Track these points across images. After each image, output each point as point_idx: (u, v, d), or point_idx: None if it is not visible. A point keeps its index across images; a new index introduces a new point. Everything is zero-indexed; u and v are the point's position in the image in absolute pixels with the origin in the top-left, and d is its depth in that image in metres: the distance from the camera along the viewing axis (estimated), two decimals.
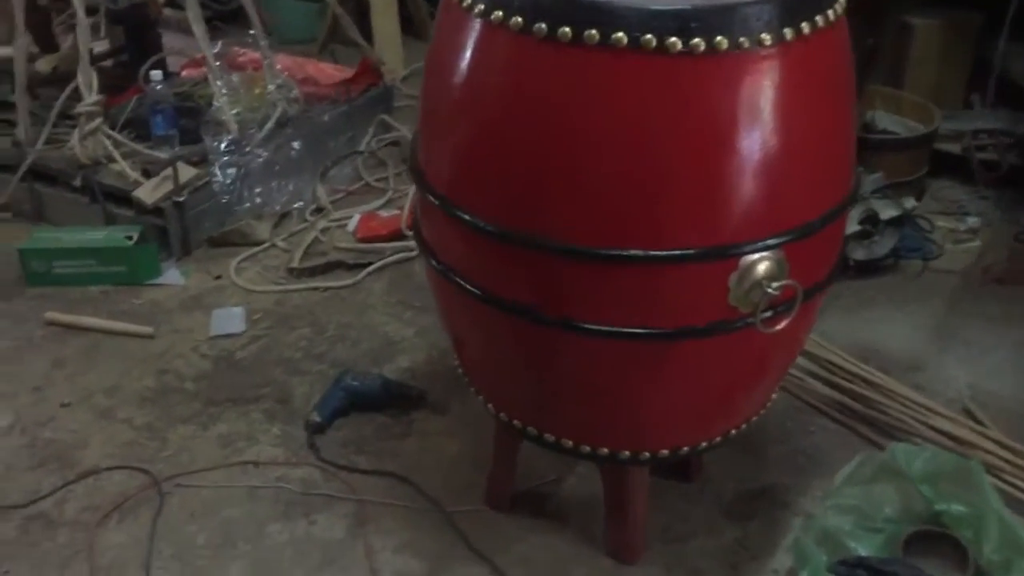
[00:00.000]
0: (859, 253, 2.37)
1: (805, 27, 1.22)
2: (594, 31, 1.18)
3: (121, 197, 2.55)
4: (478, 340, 1.53)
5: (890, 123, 2.70)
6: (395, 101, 3.39)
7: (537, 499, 1.81)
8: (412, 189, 2.84)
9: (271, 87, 2.79)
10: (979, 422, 1.94)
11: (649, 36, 1.17)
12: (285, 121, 2.81)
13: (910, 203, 2.37)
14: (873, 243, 2.38)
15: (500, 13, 1.24)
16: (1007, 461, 1.81)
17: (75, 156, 2.56)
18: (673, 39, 1.17)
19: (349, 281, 2.47)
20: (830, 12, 1.26)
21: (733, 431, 1.55)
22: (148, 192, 2.48)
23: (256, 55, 2.91)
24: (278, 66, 2.88)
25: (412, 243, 2.57)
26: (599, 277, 1.29)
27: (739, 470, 1.86)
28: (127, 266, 2.44)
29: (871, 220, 2.35)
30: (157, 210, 2.50)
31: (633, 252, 1.26)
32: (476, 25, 1.28)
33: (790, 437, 1.96)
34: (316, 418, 1.97)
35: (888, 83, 2.82)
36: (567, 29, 1.19)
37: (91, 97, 2.49)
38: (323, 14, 3.81)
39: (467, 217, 1.35)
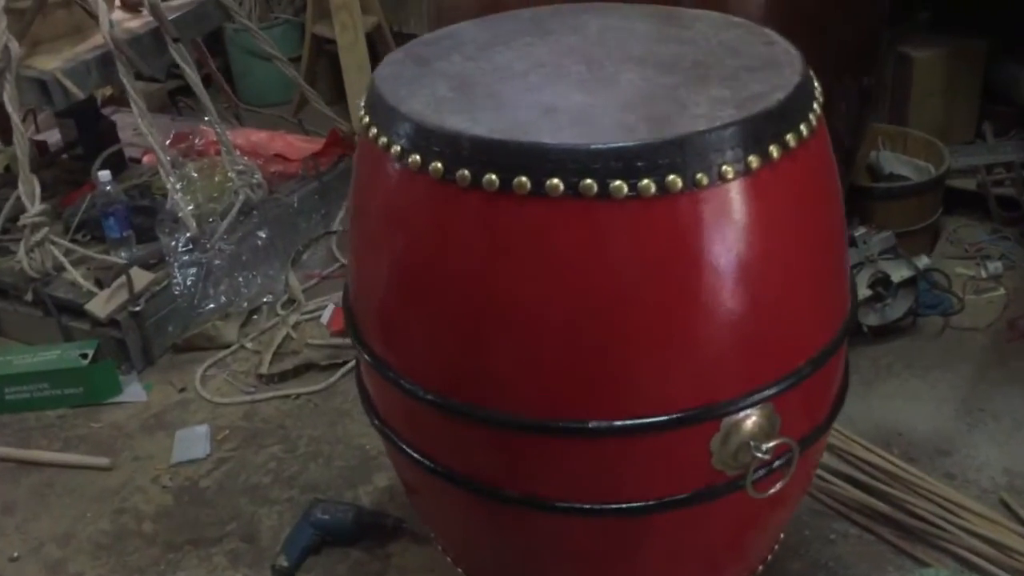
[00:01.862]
0: (872, 319, 2.17)
1: (774, 151, 1.03)
2: (524, 178, 0.99)
3: (76, 310, 2.39)
4: (436, 508, 1.34)
5: (896, 164, 2.50)
6: None
7: None
8: None
9: (232, 174, 2.62)
10: (1020, 519, 1.73)
11: (589, 181, 0.98)
12: (249, 208, 2.64)
13: (923, 262, 2.17)
14: (886, 306, 2.17)
15: (417, 158, 1.06)
16: None
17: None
18: (617, 183, 0.98)
19: (322, 385, 2.29)
20: (803, 127, 1.06)
21: None
22: (101, 304, 2.32)
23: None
24: (238, 152, 2.71)
25: None
26: (560, 451, 1.11)
27: None
28: (83, 387, 2.27)
29: (882, 283, 2.14)
30: (113, 322, 2.34)
31: (595, 424, 1.07)
32: (394, 169, 1.10)
33: (808, 548, 1.75)
34: (283, 562, 1.78)
35: (892, 120, 2.61)
36: (493, 177, 1.01)
37: (34, 208, 2.33)
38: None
39: (404, 383, 1.17)
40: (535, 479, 1.14)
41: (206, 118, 2.62)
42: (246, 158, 2.70)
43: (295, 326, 2.51)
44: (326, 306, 2.57)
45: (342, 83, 3.65)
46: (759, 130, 1.02)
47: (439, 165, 1.04)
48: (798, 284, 1.10)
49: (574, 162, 0.98)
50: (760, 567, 1.41)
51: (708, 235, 1.01)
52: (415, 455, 1.23)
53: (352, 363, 2.34)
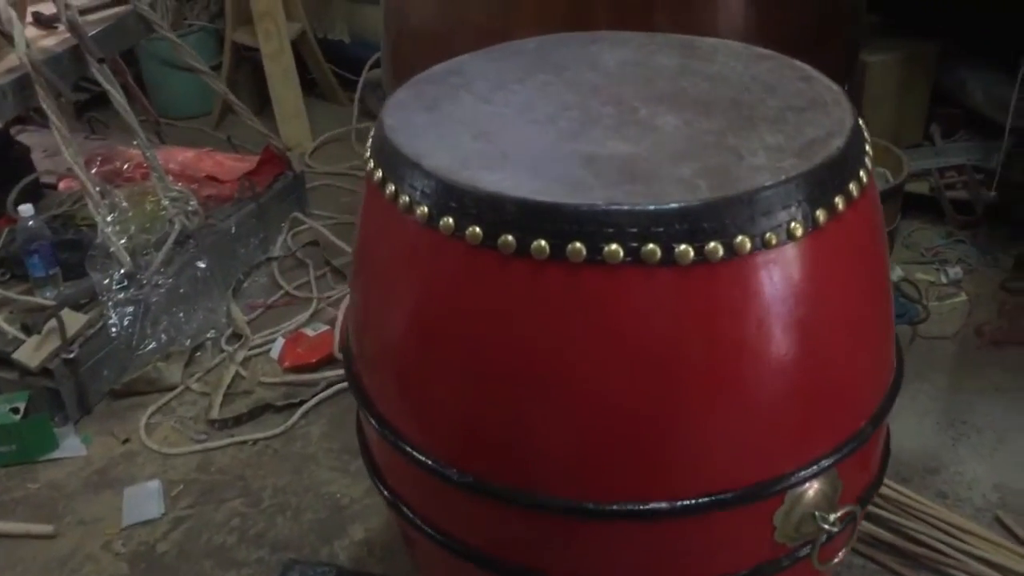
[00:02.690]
0: None
1: (839, 202, 0.95)
2: (579, 244, 0.90)
3: (2, 359, 2.18)
4: None
5: None
6: (308, 183, 3.05)
7: None
8: (343, 296, 2.53)
9: (165, 202, 2.44)
10: (1017, 538, 1.72)
11: (652, 246, 0.89)
12: (185, 237, 2.46)
13: (896, 274, 2.15)
14: None
15: (450, 221, 0.95)
16: None
17: None
18: (683, 247, 0.89)
19: (280, 428, 2.15)
20: (862, 173, 1.00)
21: None
22: (30, 352, 2.12)
23: (142, 159, 2.55)
24: (170, 177, 2.52)
25: None
26: (612, 535, 1.01)
27: None
28: (17, 444, 2.08)
29: None
30: (45, 371, 2.14)
31: (652, 505, 0.98)
32: (419, 232, 0.99)
33: None
34: None
35: None
36: (543, 243, 0.90)
37: None
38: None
39: (426, 460, 1.06)
40: (581, 563, 1.04)
41: (135, 142, 2.43)
42: (180, 184, 2.52)
43: (244, 363, 2.35)
44: (275, 339, 2.41)
45: (264, 92, 3.49)
46: (824, 181, 0.94)
47: (477, 230, 0.93)
48: (860, 342, 1.03)
49: (634, 226, 0.89)
50: None
51: (777, 297, 0.93)
52: (433, 533, 1.13)
53: (311, 403, 2.20)
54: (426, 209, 0.97)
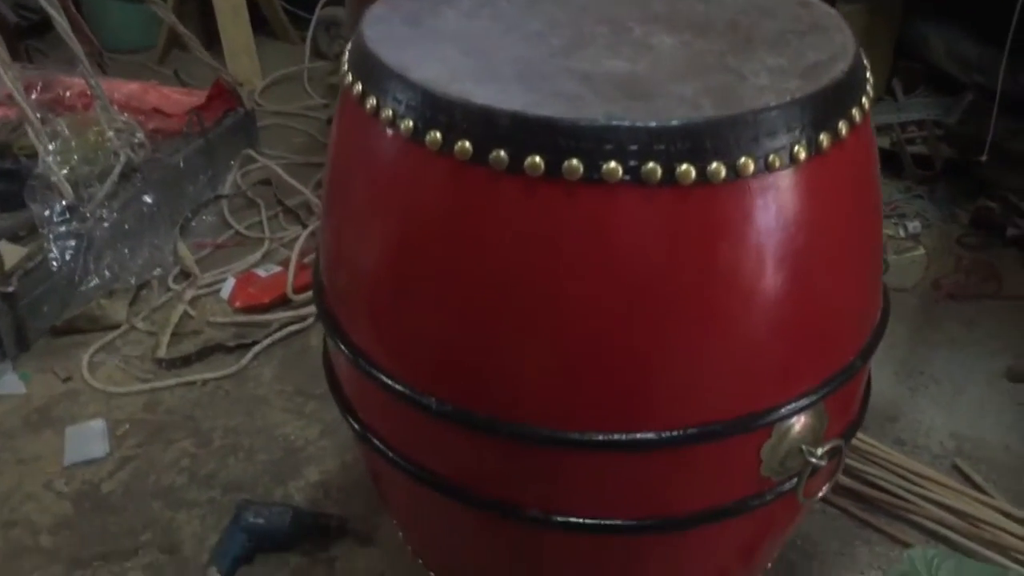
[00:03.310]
0: None
1: (843, 128, 0.92)
2: (576, 161, 0.85)
3: None
4: (427, 524, 1.20)
5: None
6: (259, 122, 2.95)
7: None
8: (297, 237, 2.45)
9: (110, 132, 2.33)
10: (975, 485, 1.74)
11: (652, 165, 0.85)
12: (131, 171, 2.36)
13: None
14: None
15: (437, 135, 0.89)
16: (1019, 537, 1.61)
17: None
18: (685, 166, 0.85)
19: (232, 369, 2.08)
20: (864, 100, 0.97)
21: None
22: None
23: (85, 87, 2.43)
24: (115, 106, 2.41)
25: (303, 311, 2.22)
26: (596, 466, 0.98)
27: None
28: None
29: None
30: None
31: (640, 436, 0.95)
32: (402, 148, 0.93)
33: None
34: (215, 574, 1.59)
35: None
36: (538, 159, 0.86)
37: None
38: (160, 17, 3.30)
39: (401, 388, 1.01)
40: (563, 495, 1.01)
41: (78, 69, 2.31)
42: (125, 114, 2.40)
43: (192, 302, 2.27)
44: (225, 279, 2.33)
45: (212, 28, 3.35)
46: (829, 105, 0.91)
47: (467, 145, 0.88)
48: (853, 275, 1.01)
49: (635, 143, 0.85)
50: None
51: (777, 223, 0.90)
52: (408, 466, 1.08)
53: (264, 343, 2.14)
54: (411, 123, 0.91)
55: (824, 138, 0.90)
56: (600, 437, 0.95)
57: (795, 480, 1.02)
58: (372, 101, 0.95)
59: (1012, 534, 1.61)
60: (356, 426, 1.15)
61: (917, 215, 2.49)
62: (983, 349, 2.08)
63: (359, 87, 0.98)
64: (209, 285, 2.33)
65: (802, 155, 0.89)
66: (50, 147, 2.16)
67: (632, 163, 0.85)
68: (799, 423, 1.00)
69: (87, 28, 3.06)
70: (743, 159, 0.86)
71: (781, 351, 0.95)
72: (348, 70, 1.02)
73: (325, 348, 1.24)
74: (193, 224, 2.54)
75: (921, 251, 2.37)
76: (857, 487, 1.73)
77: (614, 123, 0.85)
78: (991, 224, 2.37)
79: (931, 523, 1.65)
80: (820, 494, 1.04)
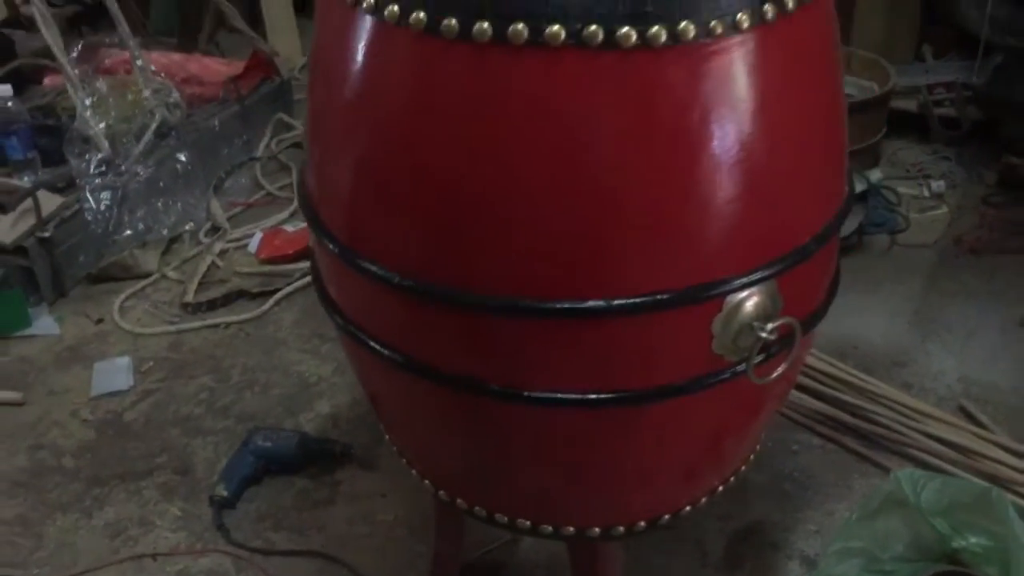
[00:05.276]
0: None
1: (789, 0, 0.94)
2: (521, 26, 0.88)
3: None
4: (405, 411, 1.24)
5: None
6: (294, 95, 3.04)
7: (491, 569, 1.55)
8: None
9: (146, 92, 2.43)
10: (979, 424, 1.73)
11: (594, 27, 0.88)
12: (167, 130, 2.46)
13: (875, 176, 2.15)
14: None
15: (395, 8, 0.94)
16: (1018, 470, 1.60)
17: None
18: (625, 30, 0.88)
19: (254, 313, 2.15)
20: None
21: (720, 487, 1.29)
22: (6, 230, 2.12)
23: (127, 56, 2.54)
24: (153, 67, 2.51)
25: None
26: (550, 336, 1.01)
27: (719, 507, 1.61)
28: None
29: None
30: (20, 249, 2.14)
31: (591, 304, 0.97)
32: (366, 24, 0.98)
33: (772, 460, 1.71)
34: (223, 491, 1.66)
35: None
36: (486, 25, 0.89)
37: None
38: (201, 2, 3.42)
39: (375, 269, 1.05)
40: (521, 368, 1.04)
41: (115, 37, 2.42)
42: (161, 76, 2.51)
43: (221, 254, 2.35)
44: (253, 234, 2.42)
45: (257, 10, 3.46)
46: None
47: (421, 15, 0.92)
48: (806, 154, 1.02)
49: (578, 6, 0.88)
50: (732, 478, 1.35)
51: (718, 93, 0.92)
52: (384, 351, 1.12)
53: (285, 290, 2.21)
54: (373, 1, 0.96)
55: (769, 8, 0.92)
56: (550, 305, 0.98)
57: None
58: None
59: (1011, 467, 1.60)
60: (339, 320, 1.20)
61: (943, 176, 2.47)
62: (1000, 299, 2.06)
63: None
64: (238, 239, 2.41)
65: (745, 23, 0.91)
66: (87, 102, 2.26)
67: (575, 26, 0.88)
68: (751, 301, 1.01)
69: (137, 11, 3.19)
70: (684, 24, 0.88)
71: (728, 223, 0.97)
72: None
73: (312, 256, 1.29)
74: (227, 184, 2.63)
75: (944, 209, 2.35)
76: (856, 423, 1.73)
77: None
78: (1016, 181, 2.34)
79: (930, 456, 1.65)
80: (774, 375, 1.05)
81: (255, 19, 3.50)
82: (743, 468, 1.33)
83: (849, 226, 2.14)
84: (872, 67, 2.46)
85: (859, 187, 2.11)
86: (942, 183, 2.41)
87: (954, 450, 1.65)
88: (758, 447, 1.35)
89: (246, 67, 2.86)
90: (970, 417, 1.75)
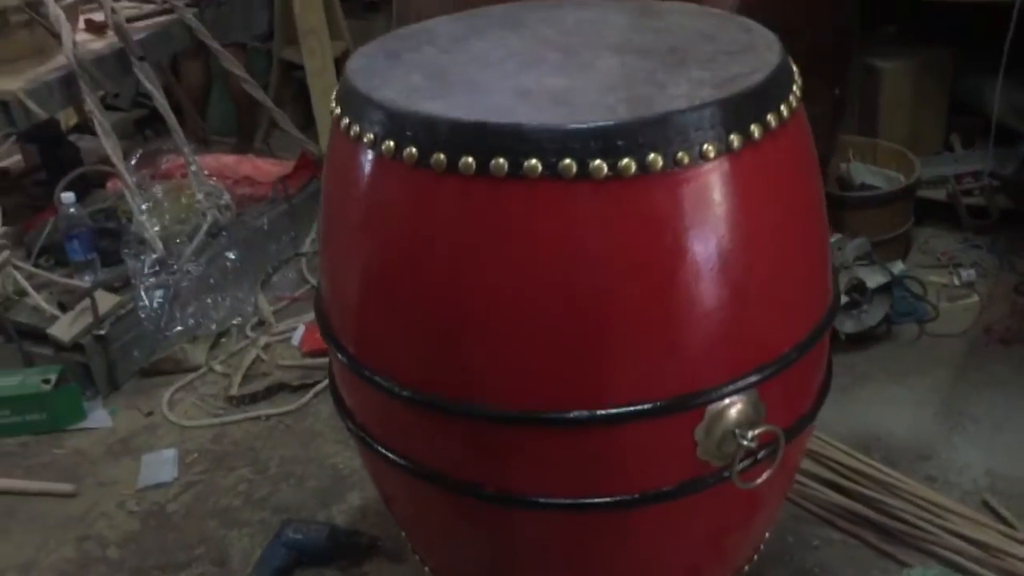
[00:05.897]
0: (848, 325, 2.16)
1: (755, 131, 1.01)
2: (502, 160, 0.97)
3: (39, 335, 2.33)
4: (414, 512, 1.30)
5: (867, 175, 2.50)
6: None
7: None
8: None
9: (199, 195, 2.58)
10: (1003, 519, 1.72)
11: (568, 161, 0.96)
12: (218, 230, 2.59)
13: (898, 267, 2.17)
14: (863, 313, 2.17)
15: (391, 144, 1.03)
16: None
17: None
18: (597, 162, 0.96)
19: (294, 406, 2.24)
20: (783, 107, 1.05)
21: None
22: (65, 328, 2.26)
23: (183, 161, 2.70)
24: (207, 171, 2.66)
25: None
26: (540, 444, 1.07)
27: None
28: (46, 413, 2.21)
29: (858, 289, 2.14)
30: (77, 346, 2.28)
31: (576, 414, 1.04)
32: (368, 157, 1.07)
33: (792, 555, 1.72)
34: None
35: (861, 132, 2.62)
36: (469, 160, 0.98)
37: None
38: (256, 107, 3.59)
39: (379, 380, 1.13)
40: (514, 474, 1.10)
41: (174, 142, 2.58)
42: (214, 179, 2.66)
43: (265, 348, 2.46)
44: (297, 327, 2.52)
45: (310, 110, 3.63)
46: (740, 109, 1.00)
47: (413, 150, 1.01)
48: (782, 268, 1.08)
49: (552, 142, 0.96)
50: (746, 566, 1.38)
51: (690, 216, 0.99)
52: (391, 456, 1.19)
53: (324, 383, 2.29)
54: (372, 136, 1.05)
55: (735, 138, 1.00)
56: (536, 415, 1.04)
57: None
58: (346, 121, 1.10)
59: None
60: (350, 424, 1.27)
61: (973, 264, 2.47)
62: None
63: (338, 110, 1.13)
64: (282, 333, 2.52)
65: (711, 153, 0.98)
66: (143, 206, 2.41)
67: (551, 160, 0.96)
68: (733, 409, 1.06)
69: (193, 110, 3.38)
70: (652, 155, 0.96)
71: (707, 336, 1.03)
72: (335, 101, 1.17)
73: (330, 367, 1.37)
74: (274, 279, 2.75)
75: (975, 298, 2.35)
76: (878, 518, 1.73)
77: (534, 125, 0.97)
78: None
79: (950, 553, 1.64)
80: (758, 481, 1.09)
81: (309, 119, 3.68)
82: (755, 558, 1.36)
83: (874, 317, 2.16)
84: (899, 158, 2.50)
85: (884, 279, 2.14)
86: (972, 271, 2.42)
87: (976, 547, 1.64)
88: (763, 545, 1.37)
89: (295, 167, 3.00)
90: (994, 512, 1.74)
